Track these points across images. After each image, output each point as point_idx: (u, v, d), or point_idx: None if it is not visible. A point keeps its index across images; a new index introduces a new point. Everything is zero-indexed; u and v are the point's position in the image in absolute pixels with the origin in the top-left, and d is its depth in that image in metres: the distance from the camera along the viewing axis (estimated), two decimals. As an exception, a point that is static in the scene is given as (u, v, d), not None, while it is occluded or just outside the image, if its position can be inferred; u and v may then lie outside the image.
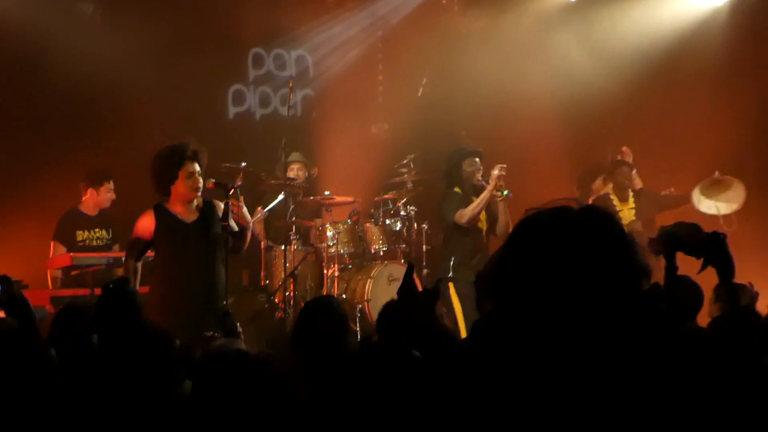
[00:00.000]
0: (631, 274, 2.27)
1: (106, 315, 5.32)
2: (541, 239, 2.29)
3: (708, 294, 6.33)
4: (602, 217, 2.33)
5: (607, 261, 2.25)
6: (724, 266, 3.67)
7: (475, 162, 10.29)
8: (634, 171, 11.73)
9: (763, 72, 12.32)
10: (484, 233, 10.30)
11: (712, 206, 11.35)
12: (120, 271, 10.02)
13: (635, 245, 2.33)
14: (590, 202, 11.50)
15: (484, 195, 10.00)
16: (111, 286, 5.53)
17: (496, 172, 10.01)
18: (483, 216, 10.22)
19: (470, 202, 10.15)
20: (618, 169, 11.57)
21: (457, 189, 10.30)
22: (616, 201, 11.45)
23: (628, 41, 12.59)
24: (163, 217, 7.88)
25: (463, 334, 9.08)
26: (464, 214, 10.07)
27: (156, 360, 4.08)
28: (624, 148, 11.78)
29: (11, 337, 4.17)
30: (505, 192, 9.99)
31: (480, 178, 10.24)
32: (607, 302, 2.22)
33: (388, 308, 5.66)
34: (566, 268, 2.23)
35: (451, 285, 9.88)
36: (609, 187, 11.73)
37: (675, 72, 12.55)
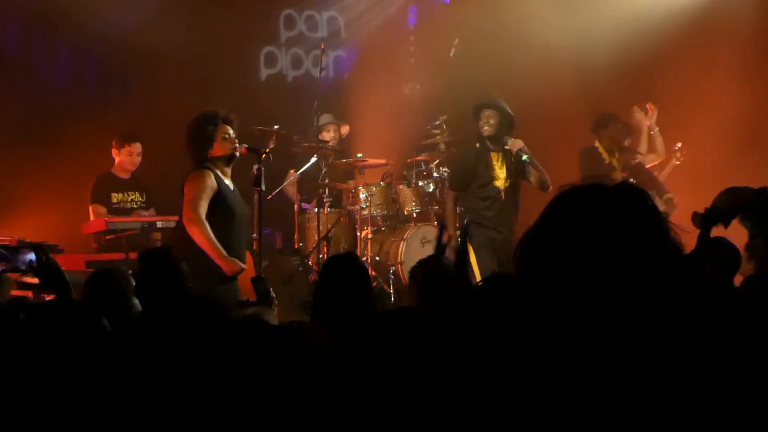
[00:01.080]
0: (663, 251, 2.27)
1: (150, 284, 5.33)
2: (575, 215, 2.30)
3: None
4: (635, 195, 2.33)
5: (639, 238, 2.25)
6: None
7: (485, 115, 10.20)
8: (657, 129, 11.64)
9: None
10: (502, 192, 10.19)
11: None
12: (157, 236, 10.12)
13: (667, 223, 2.34)
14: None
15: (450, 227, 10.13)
16: (150, 253, 5.53)
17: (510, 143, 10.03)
18: (503, 174, 10.14)
19: (487, 160, 10.12)
20: (611, 122, 11.39)
21: (477, 144, 10.24)
22: (604, 154, 11.31)
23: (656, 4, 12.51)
24: (220, 180, 7.72)
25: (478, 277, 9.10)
26: (444, 205, 10.39)
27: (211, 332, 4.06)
28: (649, 105, 11.69)
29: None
30: (524, 157, 9.93)
31: (489, 129, 10.15)
32: (639, 279, 2.22)
33: (423, 266, 5.65)
34: (600, 245, 2.25)
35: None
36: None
37: (704, 33, 12.43)
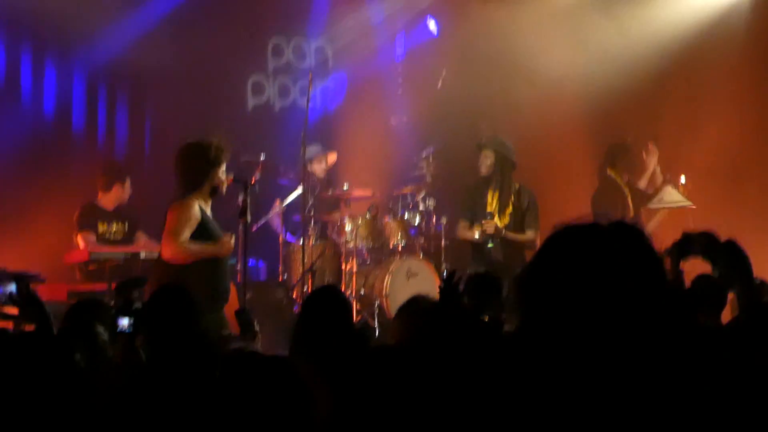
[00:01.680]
0: (660, 292, 2.23)
1: (162, 318, 5.26)
2: (570, 256, 2.25)
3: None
4: (632, 236, 2.28)
5: (636, 279, 2.20)
6: (743, 268, 3.67)
7: (481, 155, 10.40)
8: (658, 168, 11.60)
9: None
10: (502, 226, 10.23)
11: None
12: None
13: (664, 263, 2.30)
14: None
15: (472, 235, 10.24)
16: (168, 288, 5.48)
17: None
18: (508, 210, 10.20)
19: (485, 197, 10.18)
20: (626, 153, 11.41)
21: (480, 180, 10.44)
22: (621, 183, 11.32)
23: (650, 32, 12.48)
24: (203, 210, 7.64)
25: None
26: (458, 232, 10.55)
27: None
28: (650, 144, 11.66)
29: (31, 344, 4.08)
30: (489, 245, 10.15)
31: (484, 170, 10.34)
32: (635, 322, 2.18)
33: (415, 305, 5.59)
34: (596, 286, 2.20)
35: None
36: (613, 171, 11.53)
37: (696, 64, 12.43)
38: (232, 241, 7.66)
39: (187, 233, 7.48)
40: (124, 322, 5.27)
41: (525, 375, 2.32)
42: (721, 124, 12.19)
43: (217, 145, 7.68)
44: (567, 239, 2.32)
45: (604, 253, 2.25)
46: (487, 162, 10.29)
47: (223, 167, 7.70)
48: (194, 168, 7.64)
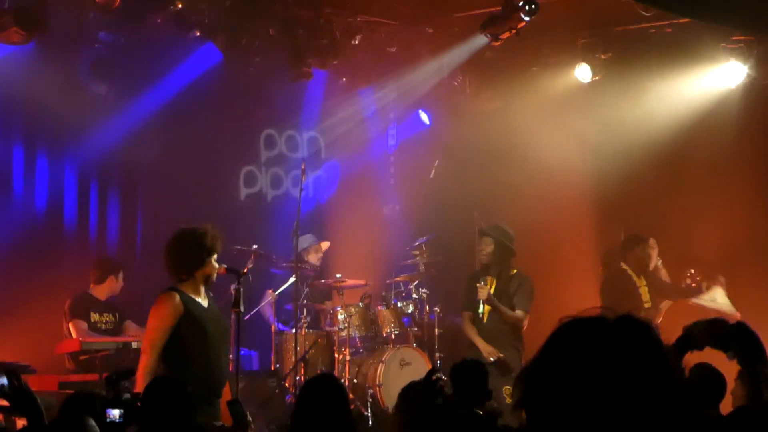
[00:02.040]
0: (669, 389, 2.19)
1: (157, 411, 5.23)
2: (576, 351, 2.21)
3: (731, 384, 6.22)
4: (639, 329, 2.25)
5: (644, 373, 2.17)
6: (754, 353, 3.63)
7: (481, 242, 10.49)
8: (660, 261, 11.62)
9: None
10: (484, 315, 10.34)
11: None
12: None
13: (673, 359, 2.26)
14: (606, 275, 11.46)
15: (479, 345, 10.25)
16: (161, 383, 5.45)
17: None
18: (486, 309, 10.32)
19: (478, 280, 10.28)
20: (640, 244, 11.48)
21: (478, 269, 10.56)
22: (635, 277, 11.38)
23: (639, 123, 12.55)
24: (189, 301, 7.47)
25: None
26: (463, 324, 10.56)
27: None
28: (650, 240, 11.66)
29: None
30: (479, 310, 10.29)
31: (484, 258, 10.44)
32: (645, 415, 2.14)
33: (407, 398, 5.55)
34: (603, 380, 2.16)
35: None
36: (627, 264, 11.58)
37: (688, 155, 12.51)
38: None
39: (160, 336, 7.33)
40: (115, 413, 5.22)
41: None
42: (716, 214, 12.24)
43: (212, 232, 7.63)
44: (574, 333, 2.28)
45: (611, 348, 2.21)
46: (487, 249, 10.37)
47: (215, 255, 7.65)
48: (187, 255, 7.57)
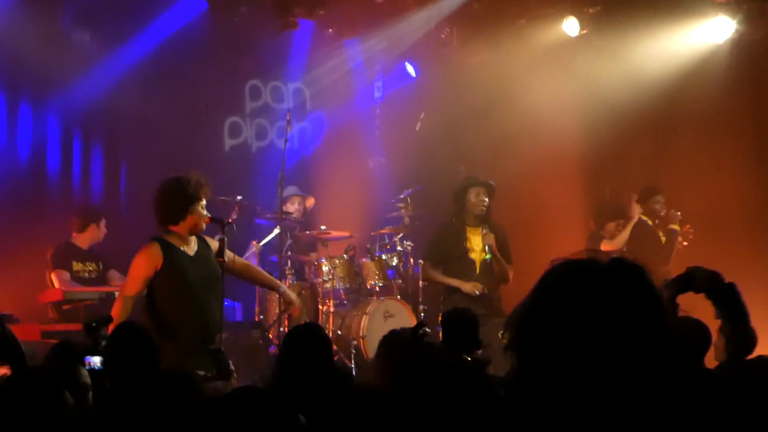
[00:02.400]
0: (660, 331, 2.17)
1: (122, 357, 5.22)
2: (569, 293, 2.18)
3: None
4: (632, 272, 2.22)
5: (637, 317, 2.14)
6: (738, 314, 3.65)
7: (481, 192, 10.16)
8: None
9: (763, 109, 12.25)
10: (477, 264, 10.17)
11: None
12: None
13: (664, 300, 2.24)
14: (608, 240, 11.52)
15: (456, 284, 10.01)
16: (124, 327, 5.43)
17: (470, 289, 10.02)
18: (478, 247, 10.12)
19: (463, 233, 10.03)
20: (653, 197, 11.59)
21: (454, 220, 10.19)
22: (653, 224, 11.54)
23: (628, 78, 12.50)
24: (170, 250, 7.50)
25: None
26: (424, 274, 10.30)
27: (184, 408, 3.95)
28: (634, 195, 11.80)
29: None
30: (487, 256, 10.05)
31: (484, 209, 10.12)
32: (637, 360, 2.12)
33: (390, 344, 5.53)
34: (595, 324, 2.13)
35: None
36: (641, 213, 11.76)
37: (675, 109, 12.49)
38: None
39: (135, 285, 7.46)
40: (95, 360, 5.21)
41: (525, 419, 2.26)
42: (703, 169, 12.24)
43: (197, 180, 7.60)
44: (566, 276, 2.25)
45: (604, 290, 2.18)
46: (486, 199, 10.17)
47: (203, 203, 7.62)
48: (171, 204, 7.56)
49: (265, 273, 8.49)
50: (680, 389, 2.18)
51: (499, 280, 10.20)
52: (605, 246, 11.64)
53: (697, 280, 3.39)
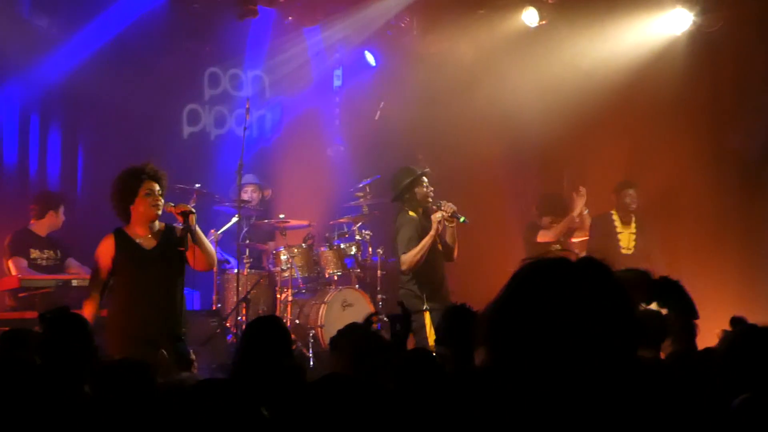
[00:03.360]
0: (627, 330, 2.21)
1: (60, 346, 5.19)
2: (540, 292, 2.23)
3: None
4: (601, 272, 2.26)
5: (605, 317, 2.19)
6: (684, 307, 3.74)
7: (426, 183, 10.11)
8: (587, 211, 11.77)
9: (720, 102, 12.34)
10: (442, 258, 10.14)
11: None
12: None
13: (632, 301, 2.28)
14: (564, 227, 11.52)
15: (426, 241, 9.79)
16: (58, 315, 5.40)
17: (438, 216, 9.86)
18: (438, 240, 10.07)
19: (423, 228, 9.96)
20: (624, 189, 11.57)
21: (411, 213, 10.11)
22: (617, 222, 11.51)
23: (586, 69, 12.54)
24: (124, 242, 7.58)
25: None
26: (405, 261, 9.88)
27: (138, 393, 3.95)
28: (580, 188, 11.82)
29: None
30: (462, 219, 9.87)
31: (431, 200, 10.08)
32: (604, 359, 2.16)
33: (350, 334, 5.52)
34: (565, 323, 2.17)
35: (426, 315, 9.68)
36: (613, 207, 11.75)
37: (633, 101, 12.53)
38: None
39: (98, 277, 7.60)
40: None
41: (498, 411, 2.30)
42: (659, 161, 12.32)
43: (139, 169, 7.65)
44: (538, 274, 2.29)
45: (574, 288, 2.23)
46: (431, 187, 10.10)
47: (154, 187, 7.62)
48: (118, 195, 7.64)
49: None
50: (639, 381, 2.22)
51: (446, 256, 10.13)
52: (542, 236, 11.69)
53: (629, 283, 3.45)
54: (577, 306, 2.18)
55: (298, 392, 4.10)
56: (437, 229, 9.79)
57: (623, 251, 11.37)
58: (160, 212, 7.68)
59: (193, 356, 6.16)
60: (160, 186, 7.69)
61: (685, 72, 12.11)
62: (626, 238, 11.46)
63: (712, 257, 11.52)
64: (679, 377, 4.00)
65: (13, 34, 11.23)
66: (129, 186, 7.59)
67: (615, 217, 11.63)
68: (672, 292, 4.22)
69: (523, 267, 2.31)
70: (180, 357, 6.09)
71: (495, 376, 2.25)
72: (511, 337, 2.21)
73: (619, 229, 11.50)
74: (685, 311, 4.30)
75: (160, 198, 7.68)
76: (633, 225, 11.60)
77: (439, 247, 10.02)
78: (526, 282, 2.26)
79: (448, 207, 9.88)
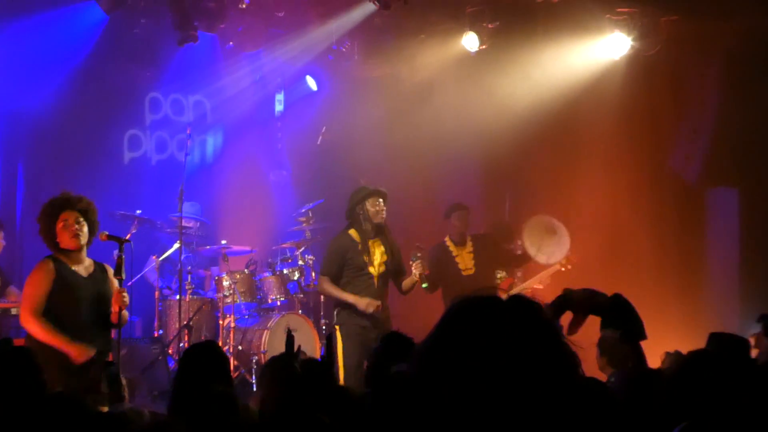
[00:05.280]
0: (559, 364, 2.24)
1: (7, 382, 5.14)
2: (470, 328, 2.25)
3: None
4: (529, 308, 2.30)
5: (534, 352, 2.22)
6: (633, 326, 3.74)
7: (379, 202, 10.01)
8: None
9: (659, 124, 12.48)
10: (375, 278, 9.89)
11: (550, 254, 11.54)
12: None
13: (562, 336, 2.31)
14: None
15: (352, 300, 9.66)
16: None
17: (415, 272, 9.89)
18: (377, 261, 9.97)
19: (366, 243, 9.89)
20: (454, 212, 11.48)
21: (351, 231, 10.00)
22: (452, 247, 11.38)
23: (528, 94, 12.64)
24: (61, 267, 7.45)
25: (342, 373, 9.15)
26: (321, 287, 9.97)
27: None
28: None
29: None
30: (424, 285, 9.87)
31: (383, 218, 10.01)
32: (536, 394, 2.18)
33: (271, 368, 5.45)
34: (495, 359, 2.20)
35: (337, 328, 9.64)
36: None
37: (573, 123, 12.64)
38: (91, 353, 7.37)
39: (39, 300, 7.34)
40: None
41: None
42: (600, 183, 12.41)
43: (56, 199, 7.55)
44: (469, 312, 2.32)
45: (504, 325, 2.26)
46: (385, 208, 9.99)
47: (70, 216, 7.43)
48: (41, 226, 7.53)
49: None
50: (579, 413, 2.25)
51: (402, 291, 10.11)
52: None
53: (574, 300, 3.47)
54: (505, 342, 2.21)
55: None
56: (362, 307, 9.70)
57: (464, 272, 11.29)
58: (83, 242, 7.55)
59: (123, 381, 6.04)
60: (83, 215, 7.56)
61: (624, 95, 12.25)
62: (463, 260, 11.38)
63: (651, 277, 11.63)
64: (631, 399, 4.04)
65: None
66: (45, 219, 7.49)
67: (448, 242, 11.46)
68: (624, 311, 4.24)
69: (454, 304, 2.34)
70: (109, 381, 5.97)
71: (426, 412, 2.27)
72: (443, 374, 2.23)
73: (454, 253, 11.37)
74: (635, 331, 4.31)
75: (81, 228, 7.53)
76: (469, 245, 11.49)
77: (380, 269, 9.94)
78: (458, 319, 2.29)
79: (418, 267, 9.86)
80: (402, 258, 10.00)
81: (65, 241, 7.45)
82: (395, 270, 9.99)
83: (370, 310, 9.59)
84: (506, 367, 2.18)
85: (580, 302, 3.47)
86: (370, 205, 9.90)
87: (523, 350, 2.20)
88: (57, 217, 7.46)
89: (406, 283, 9.96)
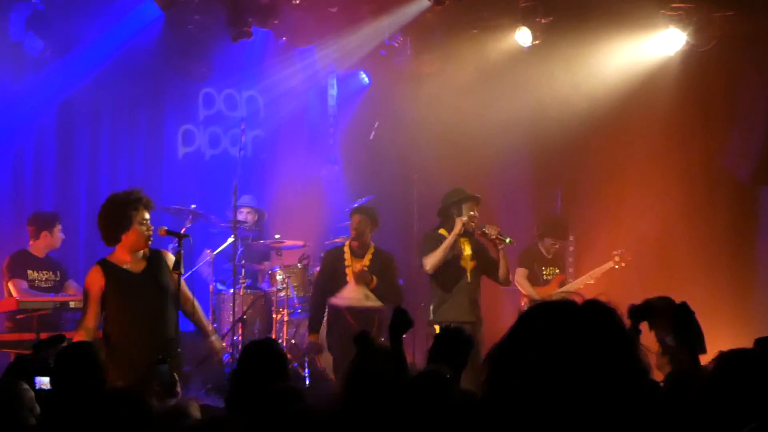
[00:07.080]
0: (631, 371, 2.26)
1: (68, 378, 5.22)
2: (544, 334, 2.27)
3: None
4: (604, 313, 2.31)
5: (609, 357, 2.23)
6: (693, 336, 3.75)
7: (474, 207, 10.10)
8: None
9: (712, 121, 12.39)
10: (468, 272, 10.07)
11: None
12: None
13: (636, 342, 2.33)
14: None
15: (449, 241, 9.89)
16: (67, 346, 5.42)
17: (464, 218, 9.95)
18: (467, 255, 10.10)
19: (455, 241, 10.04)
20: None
21: (442, 231, 10.12)
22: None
23: (580, 90, 12.59)
24: (111, 271, 7.49)
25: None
26: (427, 262, 9.99)
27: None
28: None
29: None
30: (507, 240, 9.94)
31: (474, 224, 10.09)
32: (606, 401, 2.20)
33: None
34: (568, 365, 2.22)
35: (436, 327, 9.68)
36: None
37: (625, 120, 12.57)
38: None
39: (90, 312, 7.44)
40: (44, 380, 5.22)
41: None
42: (650, 181, 12.35)
43: (130, 197, 7.55)
44: (544, 316, 2.34)
45: (579, 330, 2.27)
46: (477, 213, 10.13)
47: (141, 219, 7.52)
48: (107, 223, 7.52)
49: (202, 314, 8.25)
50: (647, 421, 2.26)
51: (504, 280, 10.25)
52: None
53: (657, 310, 3.49)
54: (580, 347, 2.23)
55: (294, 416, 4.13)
56: (460, 229, 9.87)
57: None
58: (151, 242, 7.64)
59: (176, 378, 6.08)
60: (148, 214, 7.64)
61: (678, 91, 12.16)
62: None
63: (703, 276, 11.54)
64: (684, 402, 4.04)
65: (7, 58, 11.32)
66: (125, 213, 7.45)
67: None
68: (686, 320, 4.24)
69: (530, 309, 2.36)
70: (161, 379, 6.02)
71: (498, 417, 2.29)
72: (516, 379, 2.25)
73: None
74: (694, 341, 4.32)
75: (151, 227, 7.62)
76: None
77: (471, 264, 10.06)
78: (533, 324, 2.31)
79: (492, 229, 9.93)
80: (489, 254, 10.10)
81: (136, 238, 7.49)
82: (486, 264, 10.14)
83: (466, 218, 9.76)
84: (579, 372, 2.19)
85: (661, 312, 3.48)
86: (466, 210, 10.00)
87: (597, 355, 2.22)
88: (137, 214, 7.49)
89: (503, 266, 10.07)
